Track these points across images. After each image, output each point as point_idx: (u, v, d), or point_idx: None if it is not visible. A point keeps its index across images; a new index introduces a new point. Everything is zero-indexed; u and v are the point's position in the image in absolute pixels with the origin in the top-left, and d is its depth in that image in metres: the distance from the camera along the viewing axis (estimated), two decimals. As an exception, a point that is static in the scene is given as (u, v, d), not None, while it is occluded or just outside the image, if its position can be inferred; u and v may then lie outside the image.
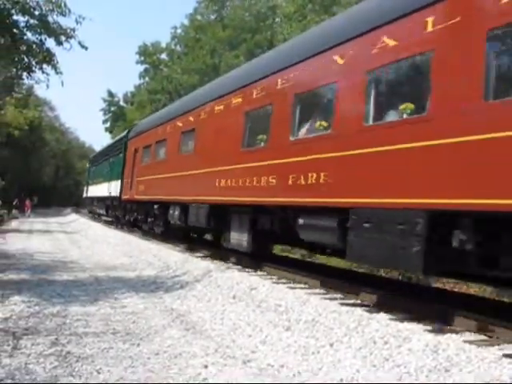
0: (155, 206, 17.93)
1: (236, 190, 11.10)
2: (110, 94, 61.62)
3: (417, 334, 5.64)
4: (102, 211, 31.14)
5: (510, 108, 5.49)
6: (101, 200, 31.00)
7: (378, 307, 7.41)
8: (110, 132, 61.64)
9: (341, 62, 8.09)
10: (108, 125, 62.42)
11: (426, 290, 9.34)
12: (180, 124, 15.76)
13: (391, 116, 7.40)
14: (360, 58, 7.76)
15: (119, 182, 23.80)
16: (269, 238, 11.86)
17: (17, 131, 43.36)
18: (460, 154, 5.96)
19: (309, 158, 8.70)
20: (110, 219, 29.34)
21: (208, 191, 12.50)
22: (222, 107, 12.61)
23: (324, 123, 8.68)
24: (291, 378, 4.98)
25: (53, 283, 9.95)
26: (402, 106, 7.10)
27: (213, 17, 42.74)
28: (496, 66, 5.95)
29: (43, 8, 11.89)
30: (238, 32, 37.08)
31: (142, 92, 51.85)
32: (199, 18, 43.72)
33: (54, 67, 12.37)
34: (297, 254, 17.27)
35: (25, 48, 12.03)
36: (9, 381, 4.51)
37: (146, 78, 52.77)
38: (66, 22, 19.39)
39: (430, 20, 6.60)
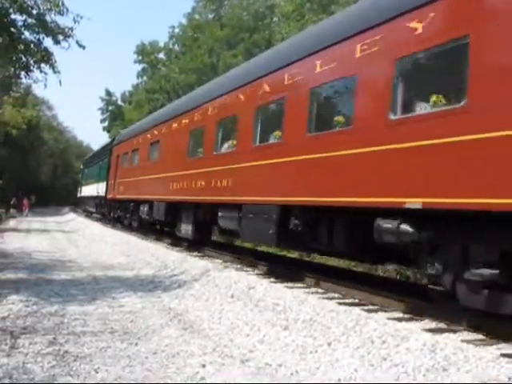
0: (131, 204, 21.52)
1: (184, 191, 14.35)
2: (108, 93, 61.55)
3: (414, 333, 5.64)
4: (93, 209, 35.24)
5: (410, 122, 6.76)
6: (91, 199, 34.93)
7: (376, 306, 7.42)
8: (108, 131, 61.49)
9: (289, 81, 9.67)
10: (106, 124, 62.32)
11: (423, 290, 9.34)
12: (149, 136, 19.42)
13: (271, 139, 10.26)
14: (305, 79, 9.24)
15: (105, 183, 27.28)
16: (207, 228, 15.03)
17: (15, 130, 43.32)
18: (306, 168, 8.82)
19: (222, 168, 11.94)
20: (99, 216, 32.92)
21: (166, 192, 15.89)
22: (176, 125, 16.03)
23: (233, 142, 11.81)
24: (289, 377, 4.99)
25: (51, 282, 9.94)
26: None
27: (211, 16, 42.67)
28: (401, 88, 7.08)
29: (41, 7, 11.88)
30: (236, 31, 37.05)
31: (140, 91, 51.78)
32: (197, 17, 43.68)
33: (52, 66, 12.35)
34: (295, 253, 17.24)
35: (23, 47, 12.00)
36: (6, 380, 4.51)
37: (144, 78, 52.75)
38: (63, 21, 19.37)
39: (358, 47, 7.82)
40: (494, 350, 5.23)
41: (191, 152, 14.36)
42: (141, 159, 20.40)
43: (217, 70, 33.42)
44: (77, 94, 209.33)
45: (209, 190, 12.47)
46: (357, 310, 6.88)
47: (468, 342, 5.47)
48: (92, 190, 33.38)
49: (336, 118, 8.41)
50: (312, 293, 8.39)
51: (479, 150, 5.69)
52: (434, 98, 6.56)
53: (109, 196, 26.08)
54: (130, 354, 5.50)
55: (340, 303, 7.38)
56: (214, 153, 12.59)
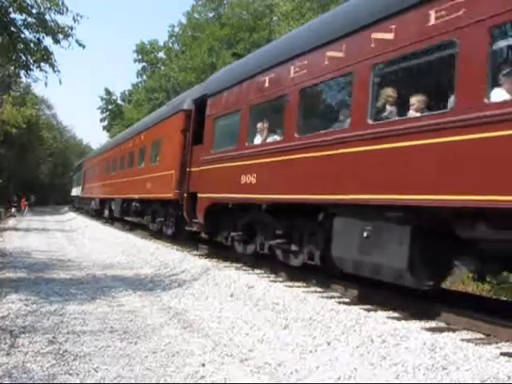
0: (94, 201, 32.84)
1: (126, 190, 22.23)
2: (108, 93, 61.44)
3: (414, 332, 5.65)
4: (77, 205, 51.03)
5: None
6: (76, 197, 51.65)
7: (376, 306, 7.43)
8: (108, 130, 61.52)
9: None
10: (105, 123, 62.28)
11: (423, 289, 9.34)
12: (103, 157, 31.67)
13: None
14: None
15: (81, 187, 43.15)
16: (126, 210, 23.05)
17: (14, 129, 43.27)
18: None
19: (143, 177, 19.21)
20: (79, 208, 48.76)
21: (102, 192, 29.07)
22: (116, 149, 26.86)
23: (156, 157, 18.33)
24: (288, 376, 4.99)
25: (50, 281, 9.95)
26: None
27: (210, 15, 42.68)
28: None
29: (41, 6, 11.86)
30: (236, 30, 37.03)
31: (140, 90, 51.80)
32: (197, 16, 43.66)
33: (52, 65, 12.34)
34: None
35: (22, 46, 11.98)
36: (6, 379, 4.51)
37: (144, 77, 52.74)
38: (63, 20, 19.38)
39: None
40: (494, 348, 5.23)
41: (118, 168, 25.58)
42: (99, 171, 32.40)
43: (216, 70, 33.42)
44: (77, 93, 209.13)
45: (122, 190, 23.21)
46: (356, 309, 6.88)
47: (467, 341, 5.48)
48: (77, 191, 49.10)
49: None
50: (311, 292, 8.39)
51: None
52: None
53: (83, 195, 41.34)
54: (129, 353, 5.51)
55: (339, 302, 7.38)
56: (138, 166, 20.99)
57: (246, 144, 10.49)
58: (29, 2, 11.69)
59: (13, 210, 43.22)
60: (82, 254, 15.81)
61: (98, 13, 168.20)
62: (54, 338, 5.95)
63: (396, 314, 6.87)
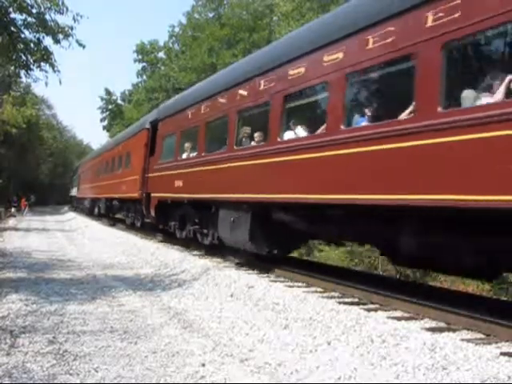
0: (87, 200, 38.12)
1: (109, 191, 26.11)
2: (108, 92, 61.45)
3: (414, 332, 5.65)
4: (75, 204, 54.88)
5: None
6: (74, 197, 55.71)
7: (376, 306, 7.43)
8: (108, 130, 61.52)
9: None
10: (105, 123, 62.29)
11: (423, 289, 9.35)
12: (93, 162, 36.70)
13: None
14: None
15: (76, 188, 49.91)
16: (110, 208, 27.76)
17: (14, 129, 43.24)
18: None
19: (120, 180, 22.52)
20: (76, 207, 52.70)
21: (92, 192, 34.02)
22: (103, 156, 31.54)
23: (128, 164, 22.25)
24: (289, 376, 4.99)
25: (50, 281, 9.95)
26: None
27: (210, 15, 42.67)
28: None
29: (41, 6, 11.85)
30: (236, 30, 37.02)
31: (140, 90, 51.79)
32: (197, 16, 43.65)
33: (52, 65, 12.34)
34: (294, 252, 17.26)
35: (22, 46, 11.98)
36: (6, 379, 4.51)
37: (144, 77, 52.73)
38: (63, 20, 19.35)
39: None
40: (494, 348, 5.23)
41: (103, 172, 29.72)
42: (88, 175, 38.75)
43: (216, 69, 33.41)
44: (77, 92, 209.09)
45: (106, 191, 27.18)
46: (356, 309, 6.88)
47: (467, 340, 5.48)
48: (74, 191, 54.20)
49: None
50: (311, 292, 8.39)
51: None
52: None
53: (78, 196, 47.52)
54: (129, 353, 5.51)
55: (340, 302, 7.38)
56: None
57: (178, 158, 14.54)
58: (29, 1, 11.68)
59: (13, 209, 43.24)
60: (82, 253, 15.81)
61: (98, 13, 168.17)
62: (54, 337, 5.95)
63: (396, 314, 6.87)
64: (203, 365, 5.19)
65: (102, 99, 61.48)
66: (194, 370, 5.03)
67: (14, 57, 12.07)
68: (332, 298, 7.92)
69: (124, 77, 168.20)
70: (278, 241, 10.62)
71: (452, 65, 6.33)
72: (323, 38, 8.30)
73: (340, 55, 7.71)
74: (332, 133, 7.83)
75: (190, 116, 13.84)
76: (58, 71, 12.54)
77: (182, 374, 4.93)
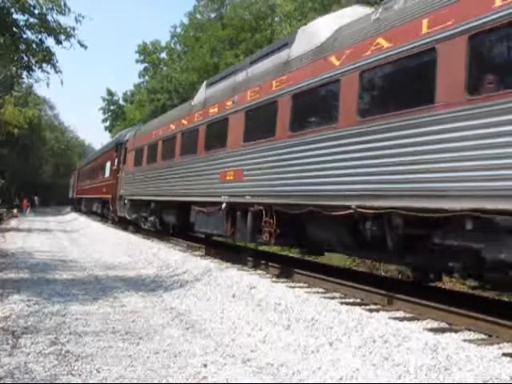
0: (83, 200, 43.85)
1: (95, 192, 31.87)
2: (110, 93, 61.45)
3: (416, 332, 5.63)
4: (73, 204, 60.37)
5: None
6: (72, 198, 60.44)
7: (378, 306, 7.42)
8: (110, 131, 61.51)
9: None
10: (107, 124, 62.30)
11: (425, 289, 9.33)
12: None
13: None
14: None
15: (72, 189, 57.43)
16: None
17: (16, 130, 43.30)
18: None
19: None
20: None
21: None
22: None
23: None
24: (290, 376, 4.99)
25: (52, 282, 9.96)
26: None
27: (212, 15, 42.67)
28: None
29: (43, 7, 11.87)
30: (238, 31, 37.01)
31: (142, 91, 51.78)
32: (199, 16, 43.66)
33: (54, 66, 12.36)
34: (296, 253, 17.24)
35: (24, 47, 12.00)
36: (8, 380, 4.51)
37: (146, 77, 52.73)
38: (65, 20, 19.35)
39: None
40: (496, 349, 5.22)
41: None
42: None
43: (219, 70, 33.42)
44: (78, 93, 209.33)
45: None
46: (358, 309, 6.87)
47: (470, 341, 5.47)
48: (72, 193, 60.51)
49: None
50: (313, 292, 8.38)
51: None
52: None
53: (74, 196, 53.61)
54: (131, 354, 5.51)
55: (342, 303, 7.38)
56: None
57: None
58: (31, 2, 11.71)
59: (15, 210, 43.30)
60: (84, 254, 15.83)
61: (98, 13, 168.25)
62: (56, 338, 5.96)
63: (398, 315, 6.86)
64: (205, 365, 5.19)
65: (104, 100, 61.55)
66: (196, 370, 5.03)
67: (16, 57, 12.10)
68: (334, 298, 7.92)
69: (126, 77, 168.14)
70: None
71: None
72: None
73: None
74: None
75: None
76: (60, 72, 12.57)
77: (184, 374, 4.93)
